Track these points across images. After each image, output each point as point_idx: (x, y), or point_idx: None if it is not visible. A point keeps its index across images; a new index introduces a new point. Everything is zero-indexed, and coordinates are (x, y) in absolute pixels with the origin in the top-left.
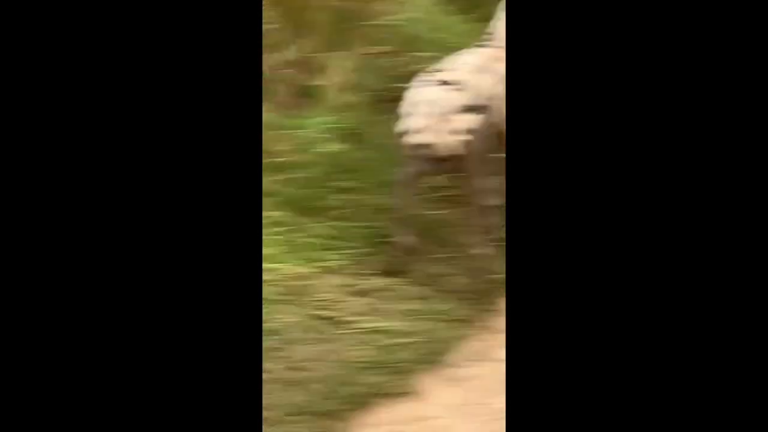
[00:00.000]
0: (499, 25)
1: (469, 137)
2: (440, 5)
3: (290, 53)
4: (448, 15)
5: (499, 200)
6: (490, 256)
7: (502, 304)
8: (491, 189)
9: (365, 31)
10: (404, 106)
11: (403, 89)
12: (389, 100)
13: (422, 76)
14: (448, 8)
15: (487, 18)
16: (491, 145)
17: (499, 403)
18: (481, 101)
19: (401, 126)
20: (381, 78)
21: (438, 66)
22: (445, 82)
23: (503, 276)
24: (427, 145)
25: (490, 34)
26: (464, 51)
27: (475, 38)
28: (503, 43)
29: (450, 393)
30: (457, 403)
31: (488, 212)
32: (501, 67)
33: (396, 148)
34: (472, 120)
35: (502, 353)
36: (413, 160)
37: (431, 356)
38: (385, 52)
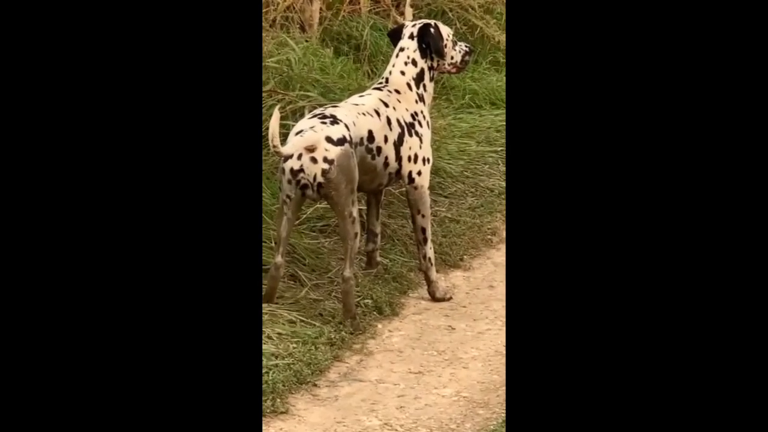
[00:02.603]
0: (393, 71)
1: (327, 166)
2: (318, 48)
3: None
4: (326, 57)
5: (359, 228)
6: (355, 281)
7: (370, 325)
8: (353, 218)
9: None
10: (288, 138)
11: (283, 126)
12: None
13: (307, 110)
14: (326, 51)
15: (363, 60)
16: (352, 176)
17: (369, 421)
18: (350, 136)
19: (272, 137)
20: (262, 115)
21: (326, 103)
22: (323, 116)
23: (370, 301)
24: (296, 171)
25: (385, 79)
26: (361, 92)
27: (353, 79)
28: (393, 88)
29: (321, 411)
30: (329, 422)
31: (352, 240)
32: (384, 110)
33: (275, 177)
34: (334, 151)
35: (370, 374)
36: (288, 186)
37: (303, 377)
38: (267, 91)
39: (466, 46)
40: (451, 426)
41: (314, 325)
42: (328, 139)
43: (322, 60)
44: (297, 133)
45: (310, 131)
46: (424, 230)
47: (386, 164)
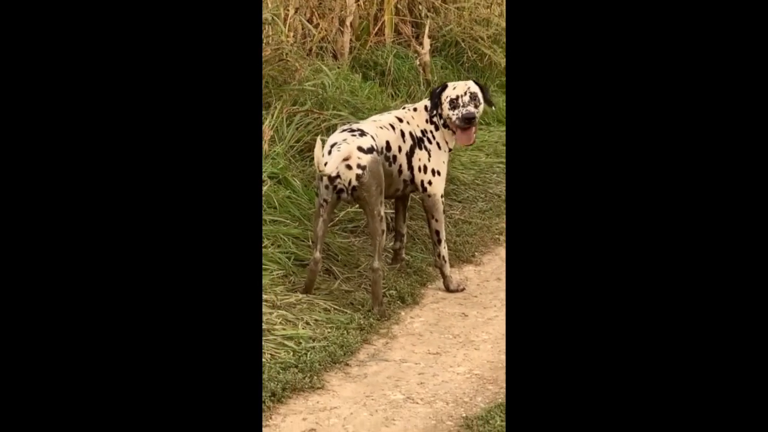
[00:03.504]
0: (420, 102)
1: (361, 172)
2: (349, 73)
3: None
4: (355, 82)
5: (385, 226)
6: (382, 273)
7: (394, 312)
8: (381, 217)
9: (288, 94)
10: (324, 149)
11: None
12: (307, 150)
13: (339, 127)
14: (355, 76)
15: (387, 83)
16: (380, 180)
17: (393, 395)
18: (376, 145)
19: (318, 163)
20: (300, 131)
21: (354, 120)
22: (352, 130)
23: (394, 291)
24: (333, 178)
25: (406, 103)
26: (384, 113)
27: (379, 100)
28: (412, 107)
29: (352, 387)
30: (359, 396)
31: (380, 236)
32: (398, 124)
33: (313, 185)
34: (365, 158)
35: (395, 354)
36: (326, 191)
37: (336, 357)
38: (304, 111)
39: (464, 112)
40: (465, 399)
41: (346, 312)
42: (360, 149)
43: (352, 84)
44: (332, 146)
45: (343, 143)
46: (438, 232)
47: (400, 171)
